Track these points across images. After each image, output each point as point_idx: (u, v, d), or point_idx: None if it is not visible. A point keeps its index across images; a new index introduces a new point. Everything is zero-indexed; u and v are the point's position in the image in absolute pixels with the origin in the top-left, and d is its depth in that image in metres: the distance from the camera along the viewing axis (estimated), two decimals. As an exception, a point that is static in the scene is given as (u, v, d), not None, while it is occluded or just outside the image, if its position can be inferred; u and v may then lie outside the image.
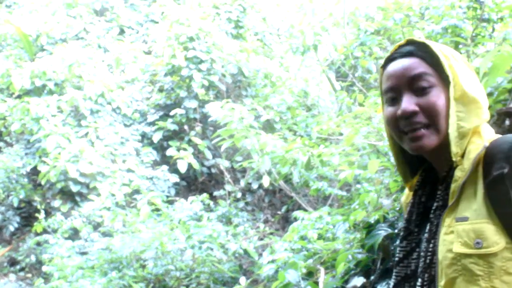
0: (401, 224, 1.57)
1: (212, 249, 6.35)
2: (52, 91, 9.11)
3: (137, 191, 8.12)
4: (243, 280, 5.36)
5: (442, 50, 1.37)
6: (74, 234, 7.52)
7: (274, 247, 4.93)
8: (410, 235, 1.45)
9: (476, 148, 1.30)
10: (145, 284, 6.12)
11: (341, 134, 5.80)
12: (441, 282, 1.27)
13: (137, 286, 5.85)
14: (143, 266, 6.36)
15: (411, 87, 1.35)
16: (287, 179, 6.69)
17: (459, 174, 1.29)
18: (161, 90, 9.64)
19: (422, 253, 1.35)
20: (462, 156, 1.31)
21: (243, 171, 9.03)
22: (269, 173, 6.81)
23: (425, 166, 1.50)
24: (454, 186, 1.30)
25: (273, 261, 4.59)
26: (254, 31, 11.03)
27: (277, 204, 9.34)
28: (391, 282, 1.48)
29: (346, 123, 5.34)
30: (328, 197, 7.24)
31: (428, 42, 1.38)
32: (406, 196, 1.59)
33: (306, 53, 8.14)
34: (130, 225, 6.86)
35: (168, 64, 9.26)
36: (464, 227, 1.25)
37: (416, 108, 1.34)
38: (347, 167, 4.63)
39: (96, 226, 7.58)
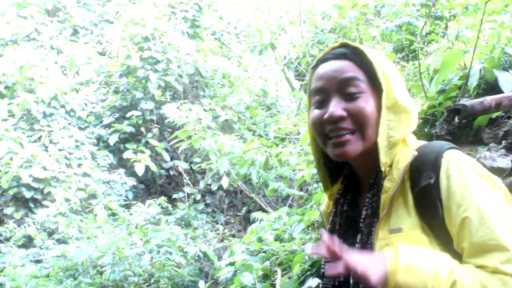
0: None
1: (171, 253, 6.24)
2: (3, 94, 8.83)
3: (93, 196, 7.94)
4: (202, 284, 5.28)
5: (375, 56, 1.34)
6: (28, 242, 7.28)
7: (233, 249, 4.86)
8: None
9: (404, 158, 1.28)
10: (103, 291, 5.97)
11: (299, 134, 5.77)
12: None
13: (94, 293, 5.70)
14: (100, 273, 6.21)
15: (340, 90, 1.30)
16: (247, 179, 6.62)
17: (389, 185, 1.27)
18: (116, 91, 9.45)
19: None
20: (390, 165, 1.29)
21: (203, 172, 8.92)
22: (228, 174, 6.74)
23: (346, 174, 1.46)
24: (384, 197, 1.27)
25: (231, 264, 4.52)
26: (211, 30, 10.93)
27: (238, 205, 9.28)
28: None
29: (303, 122, 5.31)
30: (288, 197, 7.20)
31: (362, 47, 1.34)
32: (326, 205, 1.55)
33: (264, 52, 8.08)
34: (86, 231, 6.69)
35: (123, 65, 9.10)
36: (400, 239, 1.22)
37: (344, 113, 1.29)
38: (305, 167, 4.59)
39: (51, 233, 7.37)
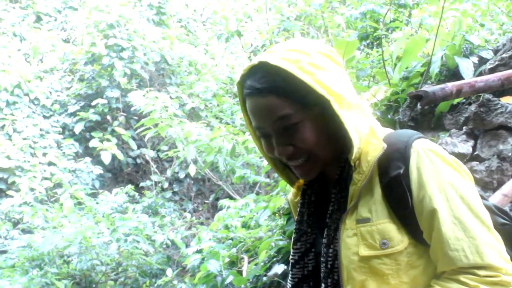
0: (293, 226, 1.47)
1: (138, 242, 6.23)
2: (-36, 82, 8.63)
3: (59, 185, 7.86)
4: (169, 271, 5.29)
5: (300, 65, 1.22)
6: (-8, 233, 7.18)
7: (200, 237, 4.88)
8: (303, 236, 1.40)
9: (373, 149, 1.25)
10: (70, 280, 5.93)
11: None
12: (347, 286, 1.24)
13: (60, 283, 5.66)
14: (67, 262, 6.17)
15: (277, 130, 1.26)
16: (214, 167, 6.63)
17: (358, 177, 1.25)
18: (81, 79, 9.33)
19: (322, 258, 1.30)
20: (358, 157, 1.26)
21: (170, 160, 8.90)
22: (195, 161, 6.73)
23: None
24: (353, 189, 1.25)
25: (199, 251, 4.53)
26: (177, 18, 10.85)
27: (206, 193, 9.29)
28: (288, 285, 1.44)
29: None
30: (256, 184, 7.24)
31: (283, 65, 1.21)
32: (294, 194, 1.52)
33: (230, 39, 8.07)
34: (52, 221, 6.63)
35: (88, 52, 8.98)
36: (368, 229, 1.22)
37: (291, 150, 1.26)
38: (271, 154, 4.59)
39: (16, 223, 7.28)
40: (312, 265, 1.38)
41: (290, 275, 1.43)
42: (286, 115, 1.23)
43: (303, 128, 1.25)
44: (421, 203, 1.20)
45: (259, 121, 1.27)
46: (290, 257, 1.42)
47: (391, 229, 1.21)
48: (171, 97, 7.98)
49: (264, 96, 1.24)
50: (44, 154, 8.29)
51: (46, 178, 7.98)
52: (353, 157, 1.23)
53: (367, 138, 1.27)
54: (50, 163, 8.24)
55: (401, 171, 1.21)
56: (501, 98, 3.23)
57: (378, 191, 1.24)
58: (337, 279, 1.26)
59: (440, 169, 1.21)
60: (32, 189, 7.67)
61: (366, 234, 1.22)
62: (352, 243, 1.23)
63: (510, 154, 3.02)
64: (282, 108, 1.23)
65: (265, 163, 4.59)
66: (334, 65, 1.29)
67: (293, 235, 1.44)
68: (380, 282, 1.22)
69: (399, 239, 1.21)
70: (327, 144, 1.28)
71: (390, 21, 5.49)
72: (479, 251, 1.15)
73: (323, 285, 1.29)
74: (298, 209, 1.43)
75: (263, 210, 3.87)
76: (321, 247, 1.32)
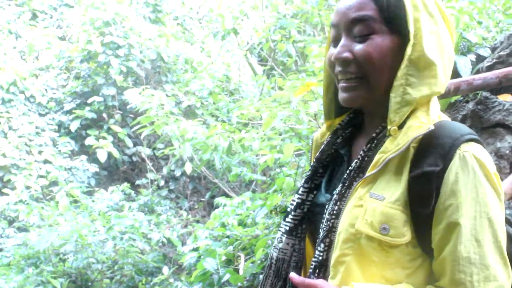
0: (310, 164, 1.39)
1: (134, 240, 6.22)
2: (-41, 80, 8.60)
3: (54, 183, 7.83)
4: (165, 270, 5.28)
5: None
6: (-13, 231, 7.17)
7: (197, 235, 4.88)
8: (315, 174, 1.33)
9: (419, 126, 1.14)
10: (66, 279, 5.92)
11: (261, 119, 5.78)
12: (335, 253, 1.16)
13: (56, 281, 5.65)
14: (63, 261, 6.16)
15: (349, 30, 1.17)
16: (210, 165, 6.63)
17: (390, 147, 1.13)
18: (77, 77, 9.30)
19: (326, 215, 1.20)
20: (399, 126, 1.15)
21: (166, 158, 8.88)
22: (191, 159, 6.73)
23: (355, 108, 1.34)
24: (379, 157, 1.14)
25: (195, 249, 4.53)
26: (173, 15, 10.82)
27: (202, 190, 9.28)
28: (281, 230, 1.35)
29: (266, 107, 5.32)
30: (252, 182, 7.24)
31: None
32: (322, 134, 1.41)
33: (227, 37, 8.05)
34: (48, 219, 6.62)
35: (84, 50, 8.95)
36: (376, 207, 1.12)
37: (349, 56, 1.17)
38: (268, 152, 4.60)
39: (12, 221, 7.25)
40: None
41: (286, 219, 1.34)
42: (368, 17, 1.15)
43: (374, 42, 1.15)
44: (445, 211, 1.10)
45: (339, 15, 1.19)
46: (298, 193, 1.34)
47: (399, 219, 1.11)
48: (167, 95, 7.96)
49: None
50: (40, 152, 8.27)
51: (41, 176, 7.96)
52: (390, 116, 1.14)
53: (417, 112, 1.17)
54: (46, 161, 8.22)
55: (437, 169, 1.10)
56: (498, 96, 3.23)
57: (405, 175, 1.13)
58: (332, 240, 1.18)
59: (480, 183, 1.11)
60: (27, 187, 7.64)
61: (372, 211, 1.12)
62: (354, 212, 1.14)
63: (507, 152, 3.03)
64: (368, 10, 1.15)
65: (261, 160, 4.58)
66: (444, 26, 1.20)
67: (307, 173, 1.35)
68: (362, 265, 1.13)
69: (402, 233, 1.11)
70: (385, 77, 1.17)
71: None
72: (487, 283, 1.08)
73: (322, 245, 1.20)
74: (321, 147, 1.35)
75: (259, 208, 3.87)
76: (324, 203, 1.26)
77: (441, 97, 3.09)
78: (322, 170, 1.33)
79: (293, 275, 1.17)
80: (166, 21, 10.46)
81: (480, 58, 3.68)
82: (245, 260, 3.71)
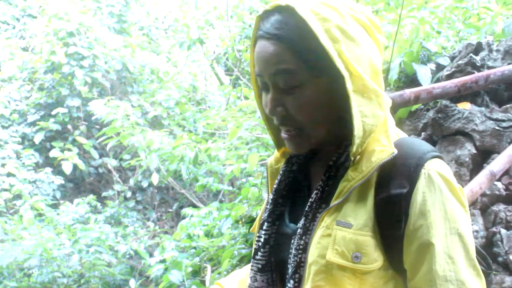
0: (268, 196, 1.35)
1: (101, 252, 6.14)
2: None
3: (18, 196, 7.68)
4: (132, 282, 5.22)
5: (328, 26, 1.08)
6: (-52, 246, 6.98)
7: (164, 246, 4.84)
8: (276, 206, 1.29)
9: (381, 150, 1.12)
10: (31, 294, 5.81)
11: (228, 129, 5.79)
12: (307, 286, 1.13)
13: (20, 297, 5.55)
14: (28, 275, 6.04)
15: (274, 84, 1.13)
16: (177, 175, 6.59)
17: (354, 175, 1.11)
18: (41, 88, 9.16)
19: (293, 250, 1.17)
20: (360, 153, 1.13)
21: (133, 169, 8.82)
22: (158, 170, 6.69)
23: None
24: (343, 185, 1.12)
25: (162, 261, 4.50)
26: (139, 25, 10.78)
27: (170, 201, 9.22)
28: (252, 270, 1.31)
29: (232, 117, 5.33)
30: (220, 192, 7.22)
31: (309, 20, 1.07)
32: (276, 160, 1.37)
33: (192, 47, 8.06)
34: (12, 233, 6.49)
35: (48, 61, 8.84)
36: (345, 235, 1.09)
37: (283, 112, 1.15)
38: (234, 162, 4.60)
39: (-26, 236, 7.09)
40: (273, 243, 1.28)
41: (256, 257, 1.29)
42: (288, 71, 1.10)
43: (302, 93, 1.12)
44: (416, 232, 1.09)
45: (260, 67, 1.14)
46: (262, 232, 1.29)
47: (370, 245, 1.09)
48: (133, 106, 7.92)
49: (274, 43, 1.10)
50: (3, 165, 8.10)
51: (5, 190, 7.79)
52: (354, 149, 1.10)
53: (376, 134, 1.14)
54: (9, 174, 8.06)
55: (404, 191, 1.09)
56: (458, 104, 3.30)
57: (370, 200, 1.11)
58: (301, 275, 1.15)
59: (447, 199, 1.10)
60: (-10, 201, 7.49)
61: (342, 240, 1.09)
62: (323, 243, 1.11)
63: (467, 159, 3.08)
64: (287, 62, 1.10)
65: (228, 170, 4.59)
66: (369, 40, 1.14)
67: (267, 207, 1.31)
68: None
69: (374, 258, 1.09)
70: (324, 123, 1.15)
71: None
72: None
73: (291, 281, 1.16)
74: (278, 177, 1.31)
75: (225, 219, 3.86)
76: (290, 234, 1.22)
77: (402, 105, 3.15)
78: (282, 199, 1.30)
79: None
80: (132, 31, 10.41)
81: (439, 67, 3.76)
82: (212, 271, 3.70)
